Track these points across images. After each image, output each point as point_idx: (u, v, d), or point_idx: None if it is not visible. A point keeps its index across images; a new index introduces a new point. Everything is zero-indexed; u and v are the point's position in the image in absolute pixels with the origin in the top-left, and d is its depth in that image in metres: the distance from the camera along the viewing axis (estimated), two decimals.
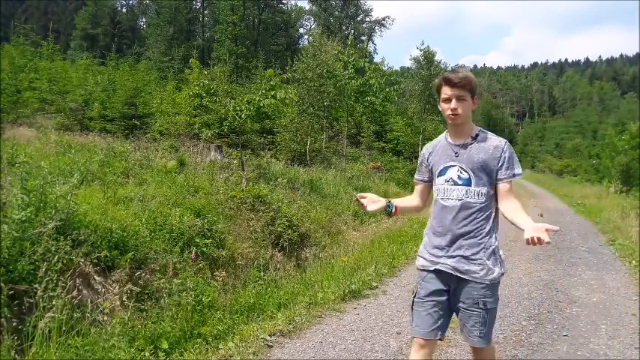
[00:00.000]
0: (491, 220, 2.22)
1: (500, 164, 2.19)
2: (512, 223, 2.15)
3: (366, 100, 15.88)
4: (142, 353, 3.16)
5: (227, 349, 3.42)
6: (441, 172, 2.25)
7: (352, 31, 50.41)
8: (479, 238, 2.18)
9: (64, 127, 12.35)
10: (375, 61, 30.10)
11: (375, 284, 5.27)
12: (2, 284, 2.92)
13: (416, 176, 2.47)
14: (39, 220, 3.40)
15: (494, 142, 2.22)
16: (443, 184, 2.24)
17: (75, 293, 3.27)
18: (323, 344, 3.69)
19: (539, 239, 1.92)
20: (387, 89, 16.13)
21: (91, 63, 22.17)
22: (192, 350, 3.34)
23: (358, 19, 52.18)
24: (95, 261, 3.70)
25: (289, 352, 3.52)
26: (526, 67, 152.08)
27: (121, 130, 12.86)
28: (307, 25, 53.44)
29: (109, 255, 3.78)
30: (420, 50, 23.62)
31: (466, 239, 2.18)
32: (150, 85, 17.77)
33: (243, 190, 6.88)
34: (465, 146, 2.22)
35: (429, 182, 2.38)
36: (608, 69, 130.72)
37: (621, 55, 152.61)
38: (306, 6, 61.27)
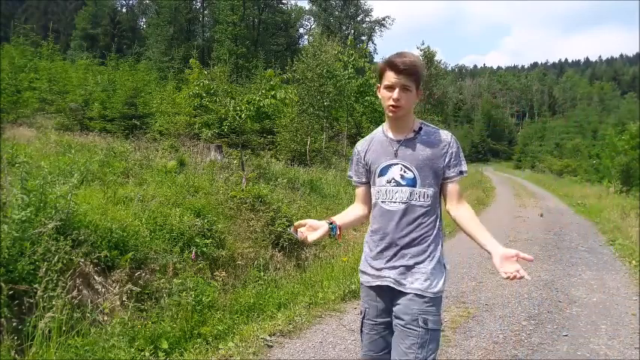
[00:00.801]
0: (437, 225, 1.97)
1: (447, 161, 1.94)
2: (471, 237, 1.93)
3: (366, 100, 15.90)
4: (142, 353, 3.16)
5: (227, 349, 3.42)
6: (382, 172, 1.97)
7: (352, 31, 50.44)
8: (424, 245, 1.92)
9: (64, 127, 12.35)
10: (375, 61, 30.11)
11: None
12: (2, 284, 2.92)
13: (354, 179, 2.14)
14: (39, 220, 3.40)
15: (440, 136, 1.96)
16: (384, 186, 1.96)
17: (75, 293, 3.27)
18: (323, 344, 3.69)
19: (520, 275, 1.73)
20: None
21: (91, 63, 22.16)
22: (192, 350, 3.34)
23: (358, 19, 52.22)
24: (95, 261, 3.70)
25: (289, 352, 3.52)
26: (526, 67, 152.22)
27: (121, 130, 12.86)
28: (307, 25, 53.50)
29: (109, 255, 3.78)
30: (420, 50, 23.66)
31: (410, 247, 1.92)
32: (150, 85, 17.78)
33: (243, 190, 6.88)
34: (407, 142, 1.94)
35: (369, 184, 2.08)
36: (608, 69, 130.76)
37: (621, 55, 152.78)
38: (306, 6, 61.38)
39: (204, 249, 4.95)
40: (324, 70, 15.86)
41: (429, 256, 1.92)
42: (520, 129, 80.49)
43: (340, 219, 2.09)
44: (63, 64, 19.09)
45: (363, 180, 2.09)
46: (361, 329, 2.08)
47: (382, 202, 1.97)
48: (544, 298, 5.02)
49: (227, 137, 13.51)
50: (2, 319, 2.86)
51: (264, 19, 42.46)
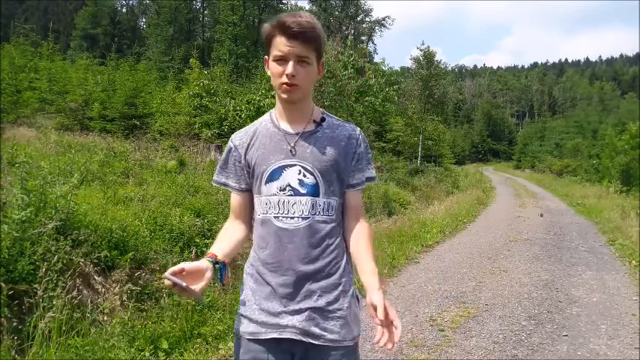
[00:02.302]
0: (344, 247, 1.52)
1: (352, 163, 1.49)
2: (354, 259, 1.50)
3: (366, 101, 15.91)
4: (142, 353, 3.16)
5: (227, 349, 3.42)
6: (273, 176, 1.45)
7: (352, 31, 50.46)
8: (336, 276, 1.45)
9: (64, 127, 12.38)
10: (375, 61, 30.16)
11: None
12: (2, 284, 2.92)
13: (224, 182, 1.56)
14: (39, 220, 3.40)
15: (347, 130, 1.52)
16: (277, 195, 1.44)
17: (75, 293, 3.26)
18: None
19: (389, 335, 1.31)
20: (387, 89, 16.16)
21: (91, 63, 22.17)
22: (192, 350, 3.34)
23: (358, 19, 52.24)
24: (95, 261, 3.70)
25: None
26: (526, 67, 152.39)
27: (121, 130, 12.88)
28: None
29: (109, 255, 3.78)
30: (420, 50, 23.66)
31: (318, 281, 1.43)
32: (150, 85, 17.76)
33: None
34: (307, 136, 1.47)
35: (250, 191, 1.53)
36: (608, 69, 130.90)
37: (621, 55, 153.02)
38: (306, 6, 61.34)
39: (205, 249, 4.95)
40: (324, 70, 15.86)
41: (342, 291, 1.46)
42: (520, 129, 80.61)
43: (222, 251, 1.48)
44: (63, 64, 19.12)
45: (243, 186, 1.54)
46: None
47: (275, 217, 1.44)
48: (544, 298, 5.02)
49: (227, 137, 13.51)
50: (2, 319, 2.86)
51: (265, 19, 42.41)
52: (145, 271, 4.09)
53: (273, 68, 1.41)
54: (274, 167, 1.45)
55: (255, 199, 1.51)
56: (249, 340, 1.46)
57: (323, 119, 1.51)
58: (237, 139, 1.54)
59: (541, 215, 12.05)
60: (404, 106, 23.00)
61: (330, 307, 1.43)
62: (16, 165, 3.97)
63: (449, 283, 5.57)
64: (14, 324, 2.94)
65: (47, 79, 14.98)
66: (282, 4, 47.61)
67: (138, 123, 13.55)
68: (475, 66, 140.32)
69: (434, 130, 24.54)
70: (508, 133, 75.90)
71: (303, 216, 1.43)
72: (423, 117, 22.64)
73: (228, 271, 1.48)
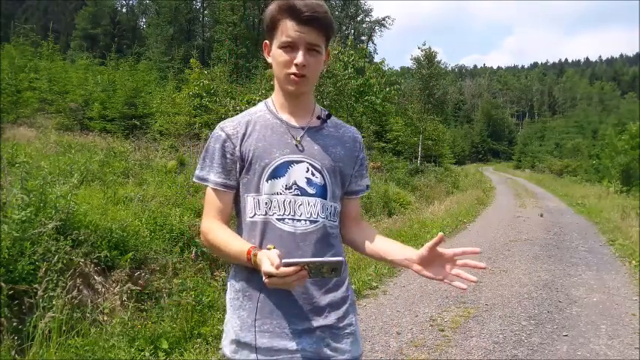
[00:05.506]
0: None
1: (356, 169, 1.38)
2: (381, 253, 1.34)
3: (366, 100, 15.92)
4: (142, 353, 3.16)
5: None
6: (277, 172, 1.26)
7: (352, 31, 50.50)
8: (343, 288, 1.32)
9: (64, 127, 12.39)
10: (375, 61, 30.19)
11: (375, 284, 5.28)
12: (2, 284, 2.92)
13: (213, 179, 1.29)
14: (39, 220, 3.40)
15: (350, 131, 1.40)
16: (280, 194, 1.25)
17: (75, 293, 3.26)
18: None
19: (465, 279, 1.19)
20: (387, 89, 16.17)
21: (91, 63, 22.20)
22: (192, 350, 3.34)
23: (358, 19, 52.29)
24: (95, 261, 3.70)
25: None
26: (526, 67, 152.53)
27: (121, 130, 12.90)
28: None
29: (109, 255, 3.78)
30: (422, 50, 23.67)
31: (327, 293, 1.27)
32: (150, 85, 17.80)
33: None
34: (312, 131, 1.32)
35: (236, 189, 1.33)
36: (608, 69, 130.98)
37: (621, 55, 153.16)
38: None
39: (204, 249, 4.95)
40: (324, 70, 15.87)
41: (350, 305, 1.34)
42: (520, 129, 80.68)
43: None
44: (63, 64, 19.15)
45: (232, 182, 1.30)
46: None
47: (279, 219, 1.24)
48: (544, 298, 5.03)
49: None
50: (2, 319, 2.86)
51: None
52: (144, 271, 4.09)
53: (278, 56, 1.24)
54: (279, 162, 1.26)
55: (248, 198, 1.28)
56: None
57: (329, 115, 1.37)
58: (230, 127, 1.31)
59: (541, 215, 12.05)
60: (404, 106, 23.01)
61: (341, 324, 1.29)
62: (16, 165, 3.97)
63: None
64: (14, 324, 2.94)
65: (47, 79, 15.00)
66: None
67: (138, 123, 13.57)
68: (475, 66, 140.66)
69: (434, 130, 24.56)
70: (508, 133, 75.99)
71: (312, 219, 1.26)
72: (423, 117, 22.65)
73: None
